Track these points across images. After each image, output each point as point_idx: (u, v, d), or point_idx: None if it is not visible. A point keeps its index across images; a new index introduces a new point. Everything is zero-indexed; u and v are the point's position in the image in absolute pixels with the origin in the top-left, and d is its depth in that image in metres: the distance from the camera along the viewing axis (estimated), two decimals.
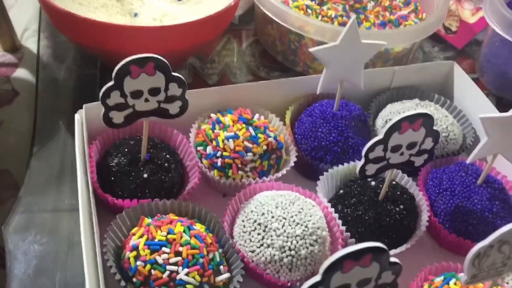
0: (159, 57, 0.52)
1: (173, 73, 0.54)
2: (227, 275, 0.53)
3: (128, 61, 0.51)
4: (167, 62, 0.53)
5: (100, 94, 0.52)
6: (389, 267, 0.41)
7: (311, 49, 0.61)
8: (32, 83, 0.79)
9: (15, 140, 0.75)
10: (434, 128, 0.54)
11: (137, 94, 0.54)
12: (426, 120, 0.53)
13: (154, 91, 0.55)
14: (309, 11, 0.84)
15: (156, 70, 0.53)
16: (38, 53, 0.84)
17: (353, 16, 0.60)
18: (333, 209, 0.59)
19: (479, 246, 0.42)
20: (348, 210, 0.59)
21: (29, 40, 0.85)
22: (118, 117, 0.55)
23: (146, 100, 0.55)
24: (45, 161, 0.68)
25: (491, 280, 0.46)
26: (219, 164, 0.62)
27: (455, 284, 0.51)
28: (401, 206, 0.59)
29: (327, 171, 0.63)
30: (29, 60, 0.83)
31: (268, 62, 0.88)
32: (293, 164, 0.64)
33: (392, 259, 0.41)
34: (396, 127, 0.52)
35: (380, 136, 0.52)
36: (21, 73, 0.80)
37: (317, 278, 0.40)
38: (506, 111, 0.55)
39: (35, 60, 0.83)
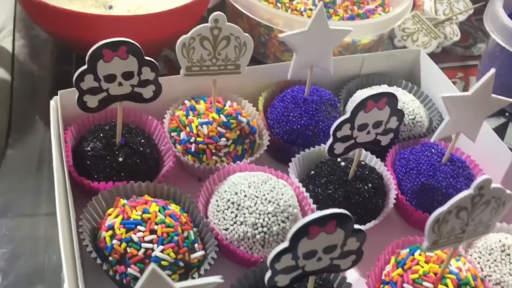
0: (131, 41, 0.54)
1: (145, 57, 0.55)
2: (201, 252, 0.55)
3: (101, 44, 0.52)
4: (139, 46, 0.54)
5: (74, 78, 0.53)
6: (353, 234, 0.43)
7: (281, 35, 0.62)
8: (6, 81, 0.79)
9: None
10: (399, 107, 0.56)
11: (110, 78, 0.55)
12: (390, 99, 0.55)
13: (127, 75, 0.56)
14: (279, 4, 0.86)
15: (129, 54, 0.54)
16: (13, 52, 0.84)
17: (320, 3, 0.62)
18: (304, 189, 0.61)
19: (438, 211, 0.44)
20: (319, 189, 0.61)
21: (5, 40, 0.87)
22: (92, 101, 0.56)
23: (120, 84, 0.56)
24: (21, 150, 0.69)
25: (452, 247, 0.48)
26: (193, 149, 0.63)
27: (419, 255, 0.53)
28: (370, 185, 0.61)
29: (299, 154, 0.65)
30: (4, 59, 0.83)
31: None
32: (266, 148, 0.66)
33: (356, 226, 0.43)
34: (362, 105, 0.54)
35: (347, 115, 0.54)
36: None
37: (285, 244, 0.42)
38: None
39: (10, 59, 0.83)
